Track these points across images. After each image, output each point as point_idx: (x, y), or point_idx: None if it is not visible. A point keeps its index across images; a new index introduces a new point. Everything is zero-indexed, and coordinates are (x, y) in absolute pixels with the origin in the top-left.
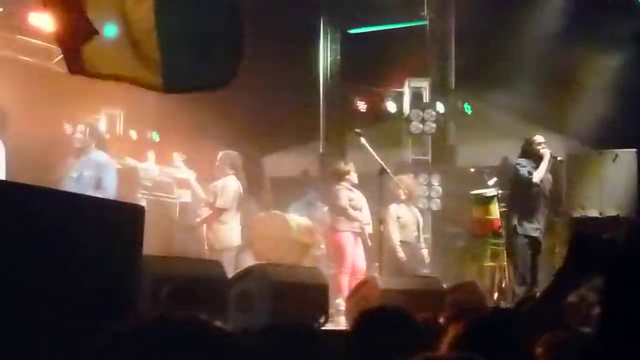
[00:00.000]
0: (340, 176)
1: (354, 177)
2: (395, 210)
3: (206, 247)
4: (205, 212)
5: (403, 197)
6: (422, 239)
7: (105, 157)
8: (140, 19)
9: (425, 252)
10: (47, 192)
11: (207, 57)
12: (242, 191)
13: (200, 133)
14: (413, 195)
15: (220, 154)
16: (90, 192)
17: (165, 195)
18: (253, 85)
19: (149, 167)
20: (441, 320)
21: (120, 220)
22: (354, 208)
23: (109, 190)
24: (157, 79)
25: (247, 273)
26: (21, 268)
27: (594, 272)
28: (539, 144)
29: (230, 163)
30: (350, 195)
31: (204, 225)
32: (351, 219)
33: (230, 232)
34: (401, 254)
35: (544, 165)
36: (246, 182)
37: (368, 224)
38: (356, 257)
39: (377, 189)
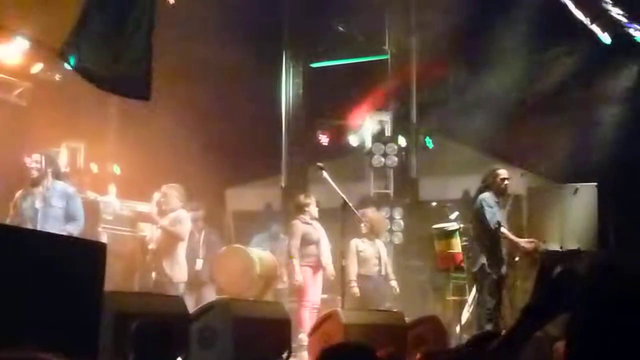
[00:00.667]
0: (299, 209)
1: (313, 210)
2: (355, 244)
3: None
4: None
5: (364, 230)
6: (388, 272)
7: (72, 188)
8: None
9: (394, 283)
10: (10, 230)
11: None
12: (190, 224)
13: (162, 166)
14: (376, 229)
15: (163, 188)
16: (61, 223)
17: (126, 229)
18: (214, 118)
19: (110, 200)
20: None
21: (82, 257)
22: (309, 242)
23: (81, 221)
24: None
25: (210, 308)
26: None
27: (561, 307)
28: (503, 179)
29: (177, 195)
30: (305, 229)
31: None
32: (305, 253)
33: (183, 265)
34: (355, 289)
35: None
36: (193, 213)
37: (328, 258)
38: (314, 290)
39: (339, 223)
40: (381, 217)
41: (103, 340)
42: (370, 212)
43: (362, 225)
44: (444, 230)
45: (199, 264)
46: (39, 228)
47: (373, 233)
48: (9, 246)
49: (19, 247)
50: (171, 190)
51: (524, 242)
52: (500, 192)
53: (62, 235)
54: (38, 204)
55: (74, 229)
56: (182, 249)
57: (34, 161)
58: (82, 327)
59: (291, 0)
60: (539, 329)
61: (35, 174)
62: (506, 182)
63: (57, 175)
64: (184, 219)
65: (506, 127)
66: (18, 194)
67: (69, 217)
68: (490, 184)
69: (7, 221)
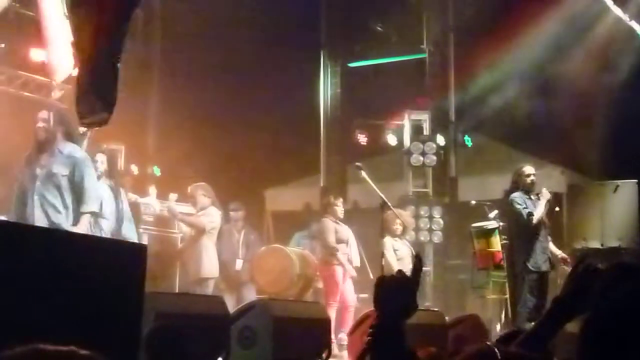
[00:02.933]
0: (325, 208)
1: (339, 211)
2: (391, 243)
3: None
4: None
5: (399, 231)
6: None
7: (80, 150)
8: None
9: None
10: (51, 233)
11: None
12: (219, 220)
13: (201, 167)
14: (409, 229)
15: (190, 188)
16: (62, 193)
17: (167, 230)
18: (254, 119)
19: (150, 201)
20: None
21: (123, 259)
22: (339, 241)
23: (93, 204)
24: None
25: (250, 308)
26: (27, 309)
27: (587, 303)
28: (528, 175)
29: (203, 193)
30: (335, 227)
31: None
32: (338, 251)
33: (213, 261)
34: None
35: (542, 204)
36: (222, 210)
37: (356, 257)
38: (345, 290)
39: (378, 222)
40: (411, 217)
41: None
42: (403, 212)
43: (397, 225)
44: (483, 229)
45: (239, 264)
46: (33, 205)
47: (406, 233)
48: (50, 249)
49: (60, 250)
50: (197, 189)
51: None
52: (528, 189)
53: (103, 238)
54: (38, 170)
55: (75, 219)
56: (209, 244)
57: (40, 119)
58: (123, 329)
59: (328, 1)
60: (566, 323)
61: (42, 135)
62: (531, 177)
63: (69, 137)
64: (211, 214)
65: (546, 125)
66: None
67: (73, 188)
68: (517, 182)
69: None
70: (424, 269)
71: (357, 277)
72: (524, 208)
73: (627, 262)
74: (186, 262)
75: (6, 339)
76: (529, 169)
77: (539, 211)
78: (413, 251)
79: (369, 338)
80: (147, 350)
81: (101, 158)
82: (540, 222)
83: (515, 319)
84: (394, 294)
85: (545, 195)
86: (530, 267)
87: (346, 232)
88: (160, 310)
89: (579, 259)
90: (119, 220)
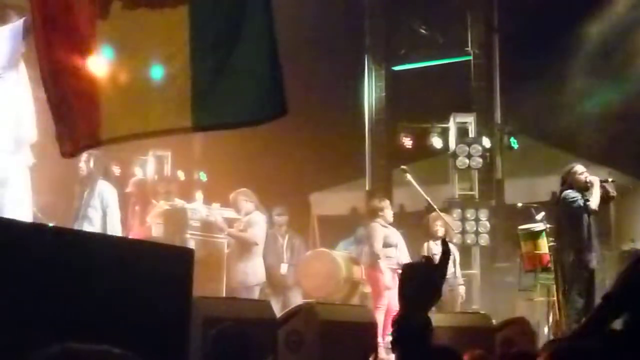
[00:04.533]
0: (374, 213)
1: (388, 214)
2: (432, 247)
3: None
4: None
5: (441, 233)
6: (458, 275)
7: (112, 189)
8: (174, 57)
9: (462, 289)
10: (100, 237)
11: (242, 93)
12: (265, 227)
13: (247, 172)
14: (450, 232)
15: (232, 196)
16: (94, 225)
17: (214, 235)
18: (299, 123)
19: (197, 207)
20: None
21: (171, 263)
22: (389, 245)
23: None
24: (186, 122)
25: (296, 312)
26: (76, 310)
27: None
28: (581, 173)
29: (245, 199)
30: (385, 231)
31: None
32: (385, 255)
33: (259, 268)
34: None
35: (597, 191)
36: (267, 215)
37: (406, 260)
38: (392, 294)
39: (423, 225)
40: (452, 220)
41: (192, 345)
42: (444, 215)
43: (437, 228)
44: (530, 231)
45: (284, 268)
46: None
47: (448, 236)
48: (100, 253)
49: (110, 255)
50: (239, 195)
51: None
52: (583, 188)
53: (151, 242)
54: (76, 204)
55: None
56: (257, 252)
57: (82, 160)
58: (171, 333)
59: (372, 4)
60: (616, 318)
61: (83, 172)
62: (585, 175)
63: (106, 175)
64: (257, 222)
65: (592, 126)
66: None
67: (104, 221)
68: (570, 182)
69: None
70: (459, 272)
71: None
72: (582, 200)
73: None
74: (233, 269)
75: (50, 341)
76: (580, 168)
77: (595, 197)
78: (455, 254)
79: (392, 330)
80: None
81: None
82: (593, 220)
83: (565, 321)
84: (416, 284)
85: (596, 181)
86: (579, 266)
87: (395, 235)
88: (207, 315)
89: (635, 258)
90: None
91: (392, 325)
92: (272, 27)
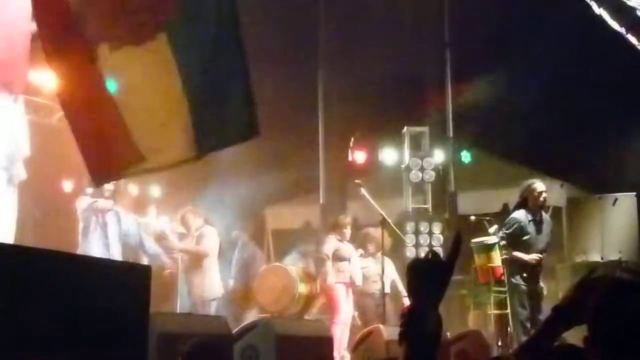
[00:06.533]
0: (336, 228)
1: (347, 233)
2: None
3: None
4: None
5: (371, 249)
6: (400, 289)
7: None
8: (168, 93)
9: (406, 301)
10: (55, 255)
11: (229, 115)
12: (217, 239)
13: (201, 186)
14: (379, 247)
15: (180, 214)
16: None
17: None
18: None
19: (150, 221)
20: None
21: (128, 280)
22: (342, 259)
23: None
24: (191, 152)
25: (252, 327)
26: (30, 331)
27: (585, 314)
28: (540, 192)
29: (194, 215)
30: (339, 245)
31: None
32: (338, 269)
33: (215, 282)
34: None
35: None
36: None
37: (359, 275)
38: (346, 308)
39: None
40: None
41: None
42: (373, 231)
43: (370, 244)
44: (483, 244)
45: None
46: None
47: (377, 251)
48: (54, 271)
49: (65, 272)
50: (187, 213)
51: (527, 257)
52: (538, 206)
53: (108, 259)
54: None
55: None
56: (212, 266)
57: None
58: (130, 349)
59: (328, 19)
60: (564, 331)
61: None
62: (543, 195)
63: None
64: (208, 234)
65: (543, 139)
66: None
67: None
68: (527, 198)
69: None
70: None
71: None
72: (507, 232)
73: (625, 279)
74: (189, 283)
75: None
76: (540, 186)
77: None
78: (387, 269)
79: (401, 324)
80: None
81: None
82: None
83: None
84: (426, 278)
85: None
86: (514, 282)
87: (349, 250)
88: (162, 331)
89: (590, 271)
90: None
91: (403, 318)
92: (245, 53)
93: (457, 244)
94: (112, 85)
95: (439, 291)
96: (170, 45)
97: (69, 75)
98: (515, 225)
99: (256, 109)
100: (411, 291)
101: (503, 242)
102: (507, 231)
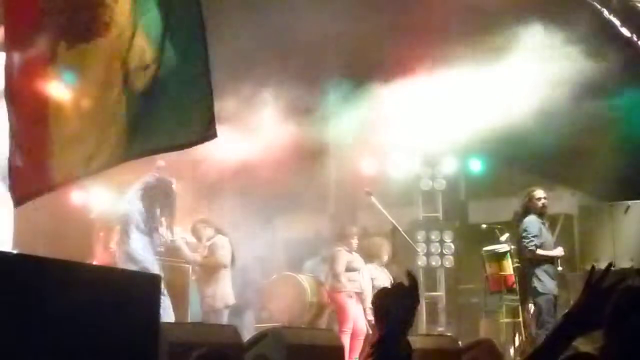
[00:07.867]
0: (344, 239)
1: (354, 242)
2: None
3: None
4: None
5: (385, 259)
6: None
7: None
8: (110, 86)
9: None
10: (66, 265)
11: (174, 116)
12: (230, 248)
13: (211, 197)
14: (389, 257)
15: (191, 225)
16: None
17: (178, 260)
18: (263, 146)
19: (161, 231)
20: None
21: (138, 289)
22: (352, 269)
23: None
24: (124, 152)
25: (262, 336)
26: (44, 337)
27: (598, 321)
28: (539, 199)
29: (205, 225)
30: (348, 257)
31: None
32: (348, 280)
33: (227, 291)
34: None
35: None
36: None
37: (368, 286)
38: (357, 317)
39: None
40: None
41: None
42: (379, 240)
43: (383, 254)
44: (495, 253)
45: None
46: None
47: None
48: (63, 280)
49: (73, 281)
50: (197, 224)
51: (554, 252)
52: (540, 213)
53: (118, 268)
54: None
55: None
56: (225, 275)
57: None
58: (140, 359)
59: None
60: (576, 338)
61: None
62: (542, 201)
63: None
64: (222, 245)
65: (555, 147)
66: None
67: None
68: (529, 206)
69: None
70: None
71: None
72: (534, 237)
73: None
74: (201, 293)
75: None
76: (540, 193)
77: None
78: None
79: (372, 353)
80: None
81: None
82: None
83: (534, 342)
84: (395, 306)
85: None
86: (541, 291)
87: (358, 260)
88: (173, 341)
89: (620, 278)
90: None
91: (373, 348)
92: (206, 52)
93: (411, 277)
94: (64, 86)
95: (407, 316)
96: (120, 41)
97: (27, 72)
98: (538, 227)
99: (213, 113)
100: (379, 319)
101: (533, 245)
102: (533, 234)
